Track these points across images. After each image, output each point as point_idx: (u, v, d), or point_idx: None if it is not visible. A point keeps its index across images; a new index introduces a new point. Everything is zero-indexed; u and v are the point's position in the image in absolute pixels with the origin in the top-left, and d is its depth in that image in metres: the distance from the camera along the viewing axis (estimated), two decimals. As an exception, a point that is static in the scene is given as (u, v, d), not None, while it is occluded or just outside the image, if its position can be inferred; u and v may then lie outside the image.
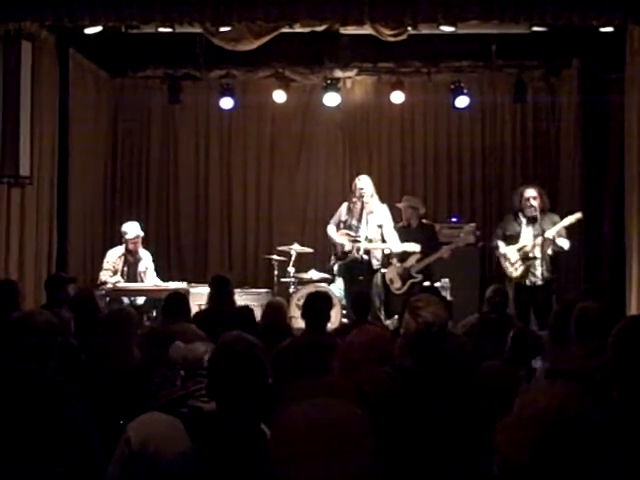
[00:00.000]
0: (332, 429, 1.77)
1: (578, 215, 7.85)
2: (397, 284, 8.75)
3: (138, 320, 4.91)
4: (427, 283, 8.63)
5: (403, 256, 8.63)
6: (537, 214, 7.76)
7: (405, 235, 8.61)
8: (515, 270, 7.86)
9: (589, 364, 3.37)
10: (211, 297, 6.69)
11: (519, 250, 7.83)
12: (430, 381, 3.23)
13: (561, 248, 7.80)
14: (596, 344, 3.52)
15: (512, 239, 7.92)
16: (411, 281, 8.67)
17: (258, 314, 8.43)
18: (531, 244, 7.75)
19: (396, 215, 8.98)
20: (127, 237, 8.72)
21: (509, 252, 7.90)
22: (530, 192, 7.90)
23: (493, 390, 4.13)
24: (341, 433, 1.76)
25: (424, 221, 9.09)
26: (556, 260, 8.00)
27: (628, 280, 7.90)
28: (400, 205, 9.06)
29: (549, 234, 7.64)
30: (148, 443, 2.66)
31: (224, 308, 6.39)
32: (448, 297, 8.59)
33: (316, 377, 3.28)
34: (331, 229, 8.72)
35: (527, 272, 7.79)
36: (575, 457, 2.33)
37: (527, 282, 7.84)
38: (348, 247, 8.48)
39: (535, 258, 7.73)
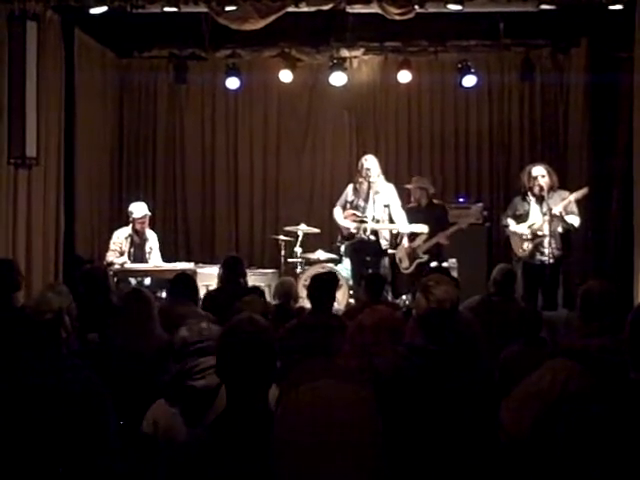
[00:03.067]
0: (336, 412, 1.77)
1: (584, 190, 7.80)
2: (405, 264, 8.75)
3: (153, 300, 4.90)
4: (434, 263, 8.62)
5: (413, 236, 8.61)
6: (545, 193, 7.71)
7: (415, 215, 8.59)
8: (524, 248, 7.83)
9: (592, 344, 3.37)
10: (224, 277, 6.71)
11: (528, 228, 7.79)
12: (442, 360, 3.24)
13: (571, 225, 7.75)
14: (600, 324, 3.52)
15: (522, 218, 7.88)
16: (418, 261, 8.66)
17: (266, 294, 8.49)
18: (540, 222, 7.70)
19: (403, 196, 8.96)
20: (134, 217, 8.74)
21: (519, 230, 7.87)
22: (538, 170, 7.83)
23: (519, 373, 4.13)
24: (345, 416, 1.76)
25: (434, 201, 9.04)
26: (567, 238, 7.94)
27: (637, 260, 7.86)
28: (409, 186, 9.03)
29: (556, 210, 7.59)
30: (157, 425, 2.70)
31: (235, 288, 6.41)
32: (455, 276, 8.58)
33: (322, 358, 3.29)
34: (337, 211, 8.70)
35: (535, 250, 7.76)
36: (575, 434, 2.33)
37: (536, 260, 7.79)
38: (353, 230, 8.47)
39: (544, 236, 7.68)
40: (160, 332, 4.69)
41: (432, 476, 3.09)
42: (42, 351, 3.23)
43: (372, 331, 3.61)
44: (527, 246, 7.79)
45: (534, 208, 7.81)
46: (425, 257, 8.65)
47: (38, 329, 3.26)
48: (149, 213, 8.89)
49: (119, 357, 4.40)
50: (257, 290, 6.46)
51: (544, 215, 7.67)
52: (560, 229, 7.76)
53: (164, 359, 4.43)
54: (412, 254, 8.69)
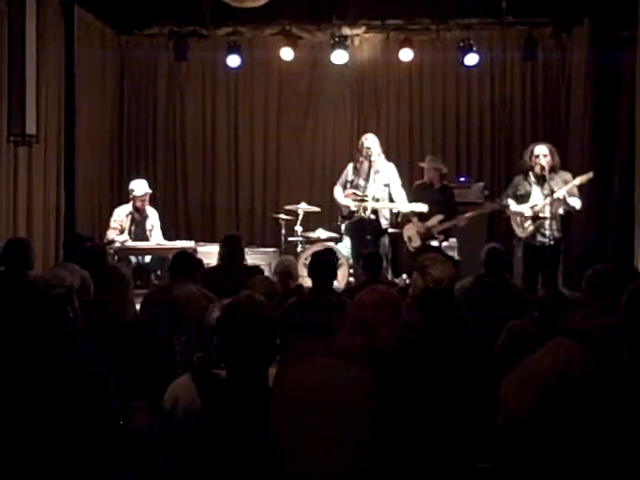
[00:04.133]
0: (333, 392, 1.77)
1: (590, 175, 7.75)
2: (416, 242, 8.67)
3: (129, 277, 4.91)
4: (436, 243, 8.62)
5: (424, 215, 8.54)
6: (546, 173, 7.66)
7: (425, 194, 8.53)
8: (524, 229, 7.81)
9: (593, 324, 3.37)
10: (223, 255, 6.72)
11: (530, 209, 7.76)
12: (439, 338, 3.25)
13: (573, 208, 7.71)
14: (602, 305, 3.52)
15: (523, 199, 7.85)
16: (430, 241, 8.61)
17: (266, 273, 8.51)
18: (541, 203, 7.67)
19: (405, 174, 8.93)
20: (135, 194, 8.70)
21: (520, 210, 7.84)
22: (540, 149, 7.77)
23: (521, 348, 4.13)
24: (342, 396, 1.76)
25: (445, 183, 8.98)
26: (568, 220, 7.92)
27: (637, 239, 7.87)
28: (423, 165, 8.95)
29: (559, 194, 7.55)
30: (178, 404, 2.73)
31: (235, 265, 6.42)
32: (455, 256, 8.58)
33: (320, 337, 3.29)
34: (337, 191, 8.67)
35: (536, 232, 7.74)
36: (577, 413, 2.33)
37: (536, 242, 7.78)
38: (354, 208, 8.44)
39: (545, 218, 7.66)
40: (134, 309, 4.69)
41: (431, 454, 3.10)
42: (49, 327, 3.23)
43: (372, 308, 3.61)
44: (528, 227, 7.76)
45: (536, 189, 7.76)
46: (440, 237, 8.61)
47: (47, 303, 3.25)
48: (150, 191, 8.86)
49: (95, 332, 4.40)
50: (257, 268, 6.47)
51: (546, 196, 7.63)
52: (561, 211, 7.73)
53: (135, 335, 4.43)
54: (426, 233, 8.62)
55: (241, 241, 6.84)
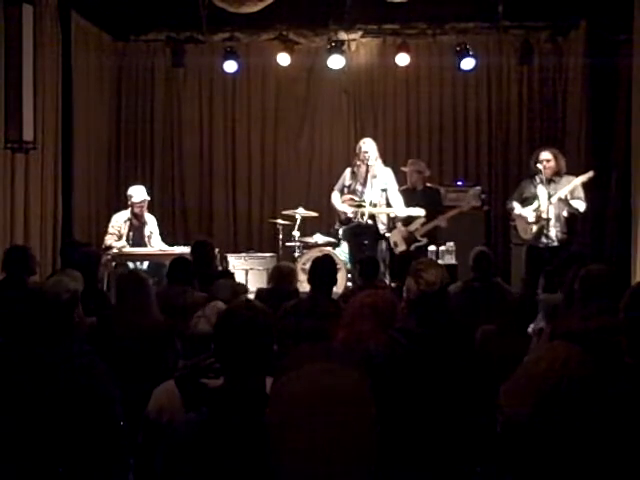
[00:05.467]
0: (330, 396, 1.77)
1: (590, 174, 7.78)
2: (401, 247, 8.72)
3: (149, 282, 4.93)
4: (433, 247, 8.63)
5: (408, 220, 8.60)
6: (547, 176, 7.69)
7: (409, 198, 8.58)
8: (528, 231, 7.83)
9: (591, 325, 3.38)
10: (194, 261, 6.68)
11: (534, 211, 7.79)
12: (433, 343, 3.24)
13: (576, 210, 7.74)
14: (599, 306, 3.53)
15: (528, 201, 7.88)
16: (415, 245, 8.65)
17: (264, 278, 8.52)
18: (545, 205, 7.69)
19: (401, 179, 8.94)
20: (133, 200, 8.70)
21: (524, 213, 7.87)
22: (544, 155, 7.83)
23: (491, 353, 4.17)
24: (339, 400, 1.76)
25: (429, 185, 9.04)
26: (572, 222, 7.93)
27: (634, 242, 7.87)
28: (405, 169, 9.01)
29: (560, 194, 7.60)
30: (163, 412, 2.72)
31: (205, 272, 6.38)
32: (453, 260, 8.60)
33: (315, 343, 3.29)
34: (335, 196, 8.68)
35: (540, 233, 7.76)
36: (576, 417, 2.33)
37: (539, 243, 7.80)
38: (350, 214, 8.45)
39: (548, 219, 7.68)
40: (157, 313, 4.70)
41: (428, 459, 3.10)
42: (56, 332, 3.25)
43: (366, 312, 3.63)
44: (533, 229, 7.79)
45: (541, 191, 7.79)
46: (424, 240, 8.64)
47: (55, 309, 3.28)
48: (148, 197, 8.86)
49: (118, 340, 4.41)
50: (228, 272, 6.45)
51: (549, 198, 7.66)
52: (565, 213, 7.75)
53: (161, 340, 4.45)
54: (409, 238, 8.66)
55: (209, 246, 6.76)
